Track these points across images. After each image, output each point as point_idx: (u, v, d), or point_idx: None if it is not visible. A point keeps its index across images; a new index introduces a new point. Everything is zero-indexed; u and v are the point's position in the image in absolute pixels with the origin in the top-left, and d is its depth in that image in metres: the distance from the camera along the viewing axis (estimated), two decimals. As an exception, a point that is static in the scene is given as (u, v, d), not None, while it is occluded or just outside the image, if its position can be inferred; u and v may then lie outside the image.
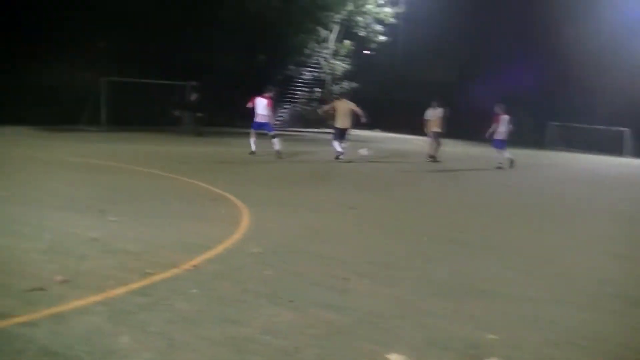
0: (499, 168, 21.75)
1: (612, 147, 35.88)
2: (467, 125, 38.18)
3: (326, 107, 22.62)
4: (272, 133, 20.28)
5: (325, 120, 29.39)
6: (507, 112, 20.92)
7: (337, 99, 23.01)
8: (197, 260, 7.23)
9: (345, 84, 44.57)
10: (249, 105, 20.57)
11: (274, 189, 13.64)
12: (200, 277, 6.60)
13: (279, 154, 19.80)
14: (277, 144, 20.00)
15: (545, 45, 37.29)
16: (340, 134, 21.21)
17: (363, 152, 21.10)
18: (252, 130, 20.50)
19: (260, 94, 20.64)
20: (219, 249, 7.89)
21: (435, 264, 7.89)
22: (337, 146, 20.76)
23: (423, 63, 42.59)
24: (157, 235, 8.44)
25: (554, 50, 36.54)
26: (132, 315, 5.37)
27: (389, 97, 45.25)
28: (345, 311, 5.85)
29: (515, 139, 25.16)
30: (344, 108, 21.46)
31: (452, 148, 30.54)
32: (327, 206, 11.73)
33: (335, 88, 44.04)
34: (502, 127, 21.46)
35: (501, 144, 21.73)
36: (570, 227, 11.63)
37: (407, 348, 5.04)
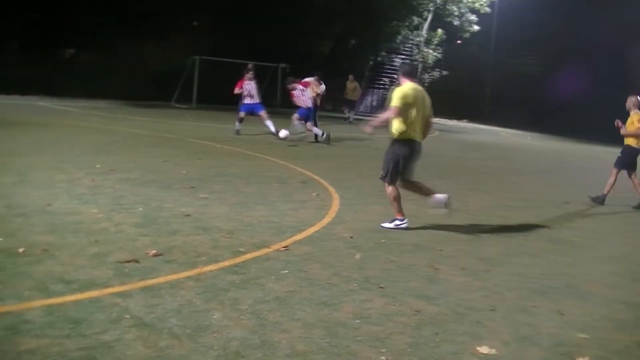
0: None
1: None
2: (555, 119, 37.48)
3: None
4: (261, 112, 19.13)
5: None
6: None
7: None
8: (288, 241, 7.24)
9: (436, 73, 44.23)
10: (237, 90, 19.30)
11: (363, 174, 13.55)
12: (291, 258, 6.59)
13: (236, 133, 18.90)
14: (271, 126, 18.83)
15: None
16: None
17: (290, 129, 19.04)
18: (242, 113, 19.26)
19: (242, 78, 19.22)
20: (310, 231, 7.88)
21: (530, 260, 7.69)
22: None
23: (515, 54, 41.82)
24: (248, 214, 8.48)
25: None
26: (223, 292, 5.39)
27: (478, 87, 44.68)
28: (435, 301, 5.76)
29: None
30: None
31: (540, 142, 30.09)
32: (415, 194, 11.58)
33: (426, 77, 43.73)
34: None
35: None
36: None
37: (497, 342, 4.93)
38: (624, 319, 5.87)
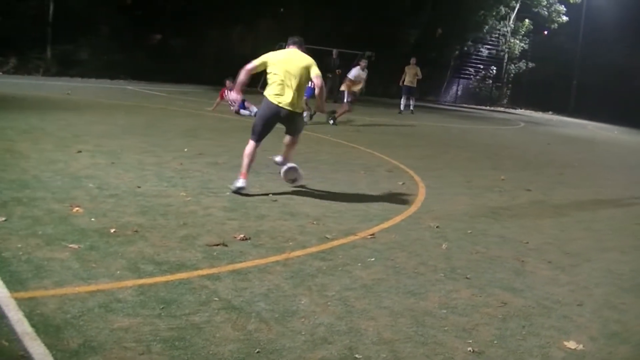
0: None
1: None
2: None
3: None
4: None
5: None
6: None
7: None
8: (375, 229, 7.22)
9: (522, 64, 43.53)
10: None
11: (451, 164, 13.45)
12: (377, 246, 6.57)
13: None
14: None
15: None
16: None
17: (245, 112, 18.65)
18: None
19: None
20: (396, 219, 7.84)
21: (619, 256, 7.49)
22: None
23: (604, 46, 40.74)
24: (335, 201, 8.50)
25: None
26: (311, 277, 5.41)
27: (565, 79, 43.73)
28: (522, 293, 5.68)
29: None
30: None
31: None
32: (502, 186, 11.42)
33: (512, 67, 43.10)
34: None
35: None
36: None
37: (585, 337, 4.84)
38: None
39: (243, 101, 18.62)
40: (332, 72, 26.99)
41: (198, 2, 30.12)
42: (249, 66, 8.40)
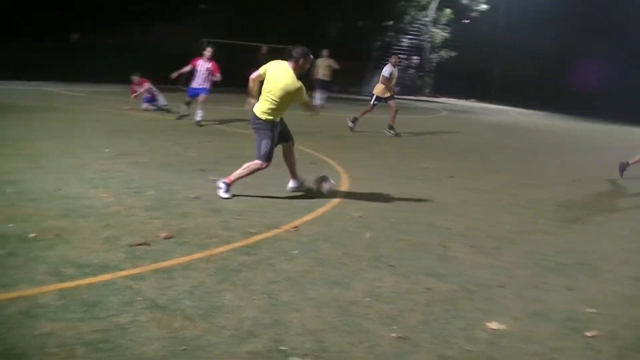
0: None
1: None
2: (566, 98, 37.27)
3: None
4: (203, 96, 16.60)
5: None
6: None
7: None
8: (298, 221, 7.28)
9: (444, 53, 44.06)
10: (189, 68, 16.70)
11: (374, 154, 13.58)
12: (301, 239, 6.63)
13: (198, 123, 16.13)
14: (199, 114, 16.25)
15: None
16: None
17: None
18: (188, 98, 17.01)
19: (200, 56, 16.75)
20: (319, 211, 7.92)
21: (542, 238, 7.72)
22: None
23: (524, 33, 41.48)
24: (259, 196, 8.53)
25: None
26: (235, 272, 5.43)
27: (486, 67, 44.42)
28: (446, 278, 5.80)
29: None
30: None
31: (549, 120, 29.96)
32: (426, 174, 11.59)
33: (434, 57, 43.59)
34: None
35: None
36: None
37: (507, 318, 4.99)
38: (634, 295, 5.91)
39: (151, 96, 18.52)
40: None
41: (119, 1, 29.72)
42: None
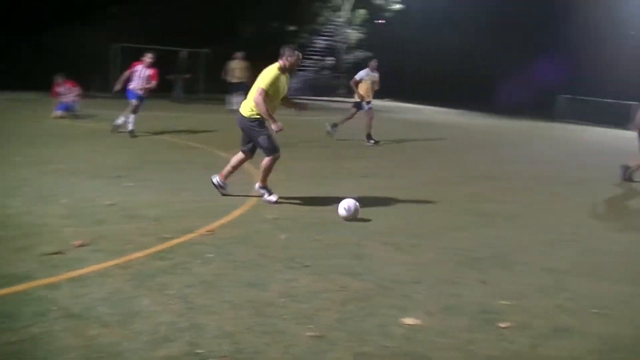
0: None
1: (621, 120, 35.12)
2: (476, 95, 38.06)
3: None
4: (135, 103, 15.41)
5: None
6: None
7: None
8: (213, 225, 7.32)
9: (359, 53, 44.36)
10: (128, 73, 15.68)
11: (291, 156, 13.62)
12: (216, 242, 6.67)
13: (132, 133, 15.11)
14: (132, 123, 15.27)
15: (558, 20, 36.70)
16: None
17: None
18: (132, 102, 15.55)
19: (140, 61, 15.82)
20: (235, 214, 7.97)
21: (458, 234, 7.93)
22: None
23: (437, 32, 42.12)
24: (173, 201, 8.53)
25: (567, 24, 35.97)
26: (151, 278, 5.45)
27: (400, 67, 44.91)
28: (361, 276, 5.92)
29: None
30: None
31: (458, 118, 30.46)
32: (339, 175, 11.73)
33: (350, 57, 43.83)
34: None
35: None
36: (599, 200, 11.61)
37: (422, 313, 5.12)
38: (546, 285, 6.13)
39: (68, 103, 18.25)
40: (182, 73, 26.58)
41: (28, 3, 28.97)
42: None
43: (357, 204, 8.11)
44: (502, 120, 31.38)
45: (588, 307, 5.56)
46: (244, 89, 24.79)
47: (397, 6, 42.91)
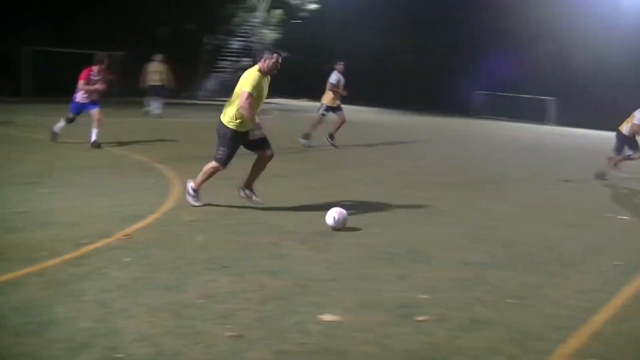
0: None
1: (537, 115, 36.17)
2: (394, 93, 38.56)
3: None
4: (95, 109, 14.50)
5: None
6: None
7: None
8: (130, 229, 7.25)
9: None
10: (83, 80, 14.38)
11: (206, 158, 13.56)
12: (133, 246, 6.62)
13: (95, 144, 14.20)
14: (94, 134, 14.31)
15: (472, 15, 37.38)
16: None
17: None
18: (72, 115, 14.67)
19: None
20: (151, 218, 7.91)
21: (375, 231, 8.02)
22: None
23: (354, 32, 42.48)
24: (89, 206, 8.41)
25: (481, 20, 36.70)
26: (67, 285, 5.37)
27: (318, 66, 45.11)
28: (279, 275, 5.96)
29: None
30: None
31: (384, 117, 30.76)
32: (263, 175, 11.71)
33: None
34: None
35: None
36: (514, 194, 11.87)
37: (340, 309, 5.18)
38: (464, 278, 6.26)
39: None
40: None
41: None
42: None
43: (345, 212, 7.97)
44: (419, 117, 31.79)
45: (504, 298, 5.71)
46: (163, 91, 24.95)
47: (313, 6, 43.09)
